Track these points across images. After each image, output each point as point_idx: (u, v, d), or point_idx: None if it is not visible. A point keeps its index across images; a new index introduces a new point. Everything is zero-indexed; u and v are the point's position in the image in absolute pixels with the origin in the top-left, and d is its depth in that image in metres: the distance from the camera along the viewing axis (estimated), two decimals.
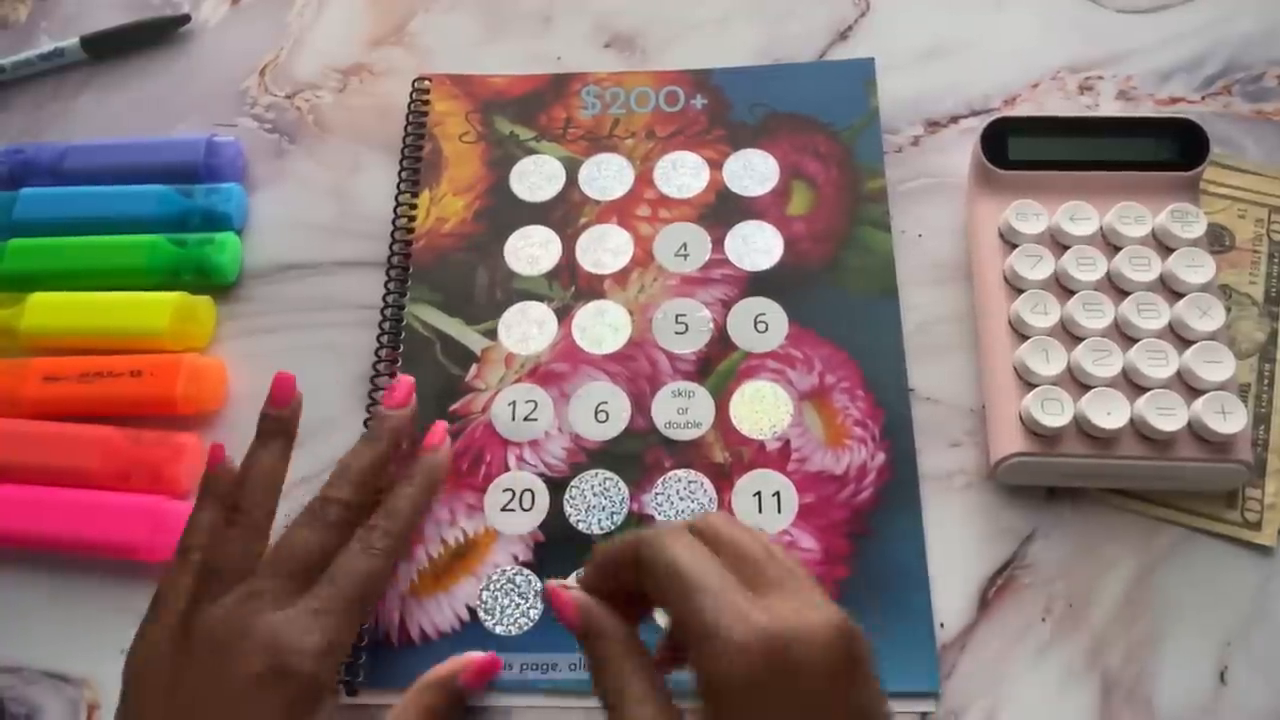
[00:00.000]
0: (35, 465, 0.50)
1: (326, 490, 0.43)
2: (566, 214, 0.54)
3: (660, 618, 0.37)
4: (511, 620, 0.45)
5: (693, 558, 0.33)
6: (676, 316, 0.51)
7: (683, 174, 0.55)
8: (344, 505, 0.43)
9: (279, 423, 0.45)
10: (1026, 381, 0.46)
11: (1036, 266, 0.48)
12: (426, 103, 0.58)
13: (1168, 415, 0.44)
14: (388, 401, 0.47)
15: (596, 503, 0.47)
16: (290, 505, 0.44)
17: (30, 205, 0.56)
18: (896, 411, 0.48)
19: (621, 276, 0.52)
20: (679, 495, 0.47)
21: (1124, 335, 0.47)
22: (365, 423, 0.50)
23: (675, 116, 0.56)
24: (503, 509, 0.48)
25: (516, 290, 0.52)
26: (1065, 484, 0.46)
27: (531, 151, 0.56)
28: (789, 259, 0.52)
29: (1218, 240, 0.51)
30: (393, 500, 0.44)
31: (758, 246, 0.52)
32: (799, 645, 0.31)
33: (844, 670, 0.31)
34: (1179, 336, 0.46)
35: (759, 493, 0.47)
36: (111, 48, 0.63)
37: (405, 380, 0.48)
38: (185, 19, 0.63)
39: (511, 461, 0.48)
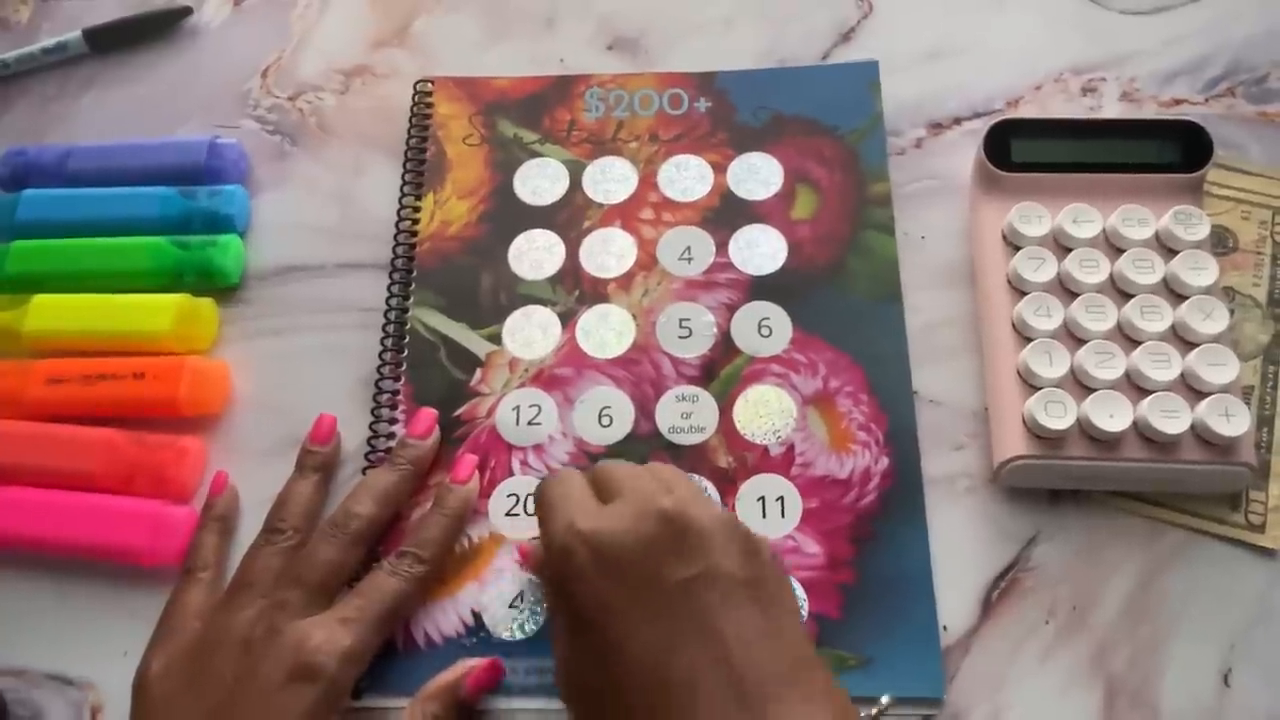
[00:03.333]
0: (38, 467, 0.50)
1: (349, 503, 0.46)
2: (570, 217, 0.54)
3: None
4: (516, 625, 0.45)
5: (554, 484, 0.40)
6: (680, 320, 0.51)
7: (687, 177, 0.55)
8: (366, 520, 0.45)
9: (317, 457, 0.48)
10: (1030, 384, 0.46)
11: (1040, 269, 0.48)
12: (430, 105, 0.58)
13: (1171, 418, 0.44)
14: (411, 431, 0.48)
15: None
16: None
17: (33, 207, 0.56)
18: (900, 416, 0.48)
19: (625, 280, 0.52)
20: None
21: (1127, 338, 0.47)
22: (370, 425, 0.50)
23: (679, 119, 0.56)
24: (507, 514, 0.48)
25: (520, 294, 0.52)
26: (1068, 487, 0.46)
27: (535, 154, 0.56)
28: (793, 263, 0.52)
29: (1221, 242, 0.51)
30: (424, 530, 0.46)
31: (762, 250, 0.52)
32: (604, 536, 0.36)
33: (654, 552, 0.36)
34: (1182, 339, 0.46)
35: (763, 497, 0.47)
36: (113, 41, 0.63)
37: (428, 412, 0.49)
38: (187, 11, 0.63)
39: (516, 466, 0.48)
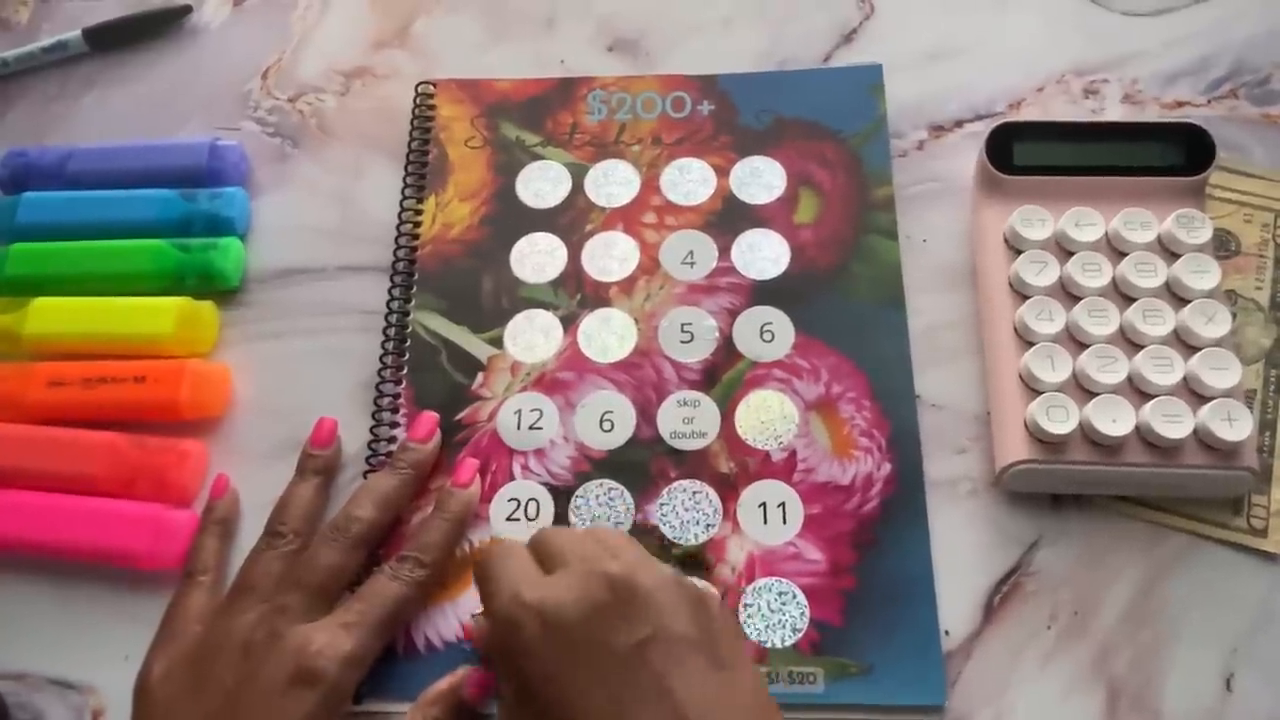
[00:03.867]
0: (39, 471, 0.50)
1: (349, 508, 0.46)
2: (572, 221, 0.54)
3: None
4: None
5: (496, 555, 0.40)
6: (682, 325, 0.51)
7: (689, 181, 0.55)
8: (367, 523, 0.46)
9: (318, 460, 0.48)
10: (1032, 388, 0.46)
11: (1042, 272, 0.48)
12: (432, 107, 0.58)
13: (1173, 422, 0.44)
14: (412, 435, 0.48)
15: (601, 513, 0.47)
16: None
17: (33, 209, 0.56)
18: (903, 421, 0.48)
19: (627, 284, 0.52)
20: (684, 505, 0.47)
21: (1129, 341, 0.47)
22: (371, 429, 0.50)
23: (682, 122, 0.56)
24: (508, 518, 0.48)
25: (522, 298, 0.52)
26: (1071, 491, 0.46)
27: (537, 157, 0.56)
28: (796, 267, 0.52)
29: (1224, 245, 0.51)
30: (425, 534, 0.46)
31: (764, 255, 0.52)
32: (550, 605, 0.36)
33: (602, 618, 0.36)
34: (1185, 343, 0.46)
35: (764, 503, 0.47)
36: (113, 39, 0.63)
37: (429, 416, 0.49)
38: (187, 9, 0.63)
39: (517, 471, 0.48)
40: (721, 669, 0.35)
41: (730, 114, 0.56)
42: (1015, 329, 0.47)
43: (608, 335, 0.51)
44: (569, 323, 0.52)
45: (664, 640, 0.35)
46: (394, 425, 0.50)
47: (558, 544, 0.39)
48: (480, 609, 0.41)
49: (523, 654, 0.36)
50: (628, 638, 0.35)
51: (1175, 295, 0.47)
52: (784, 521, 0.46)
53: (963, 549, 0.46)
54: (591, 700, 0.35)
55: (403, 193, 0.55)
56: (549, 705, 0.35)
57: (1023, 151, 0.50)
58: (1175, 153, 0.50)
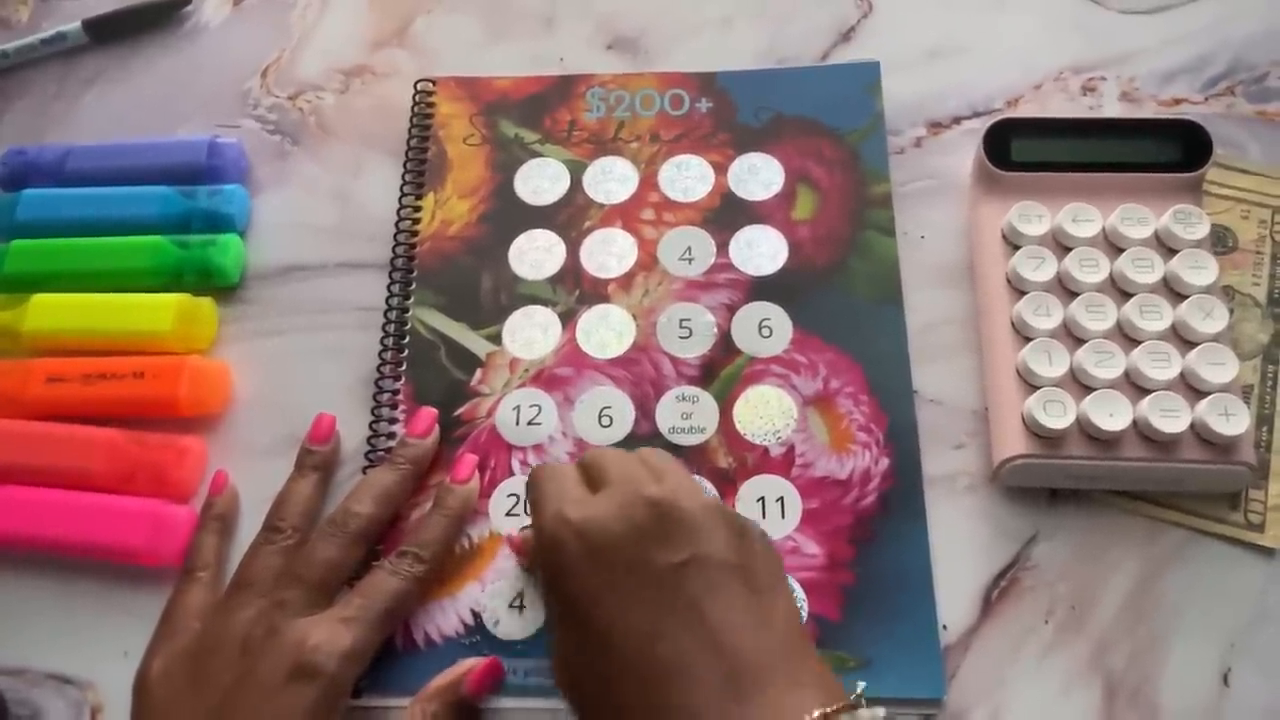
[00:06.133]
0: (38, 467, 0.50)
1: (348, 503, 0.46)
2: (571, 218, 0.54)
3: None
4: (516, 625, 0.45)
5: (545, 475, 0.41)
6: (680, 321, 0.51)
7: (687, 178, 0.55)
8: (365, 518, 0.46)
9: (316, 456, 0.49)
10: (1029, 383, 0.46)
11: (1039, 268, 0.48)
12: (431, 105, 0.58)
13: (1170, 417, 0.44)
14: (410, 430, 0.48)
15: None
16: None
17: (33, 206, 0.56)
18: (900, 416, 0.48)
19: (625, 281, 0.52)
20: None
21: (1127, 337, 0.47)
22: (370, 425, 0.50)
23: (680, 120, 0.56)
24: (507, 514, 0.48)
25: (520, 294, 0.52)
26: (1068, 486, 0.46)
27: (536, 154, 0.56)
28: (793, 263, 0.52)
29: (1221, 241, 0.51)
30: (424, 530, 0.46)
31: (762, 251, 0.52)
32: (592, 525, 0.37)
33: (641, 539, 0.36)
34: (1182, 338, 0.46)
35: (763, 498, 0.47)
36: (113, 31, 0.63)
37: (428, 411, 0.49)
38: (185, 0, 0.63)
39: (516, 466, 0.49)
40: (756, 594, 0.36)
41: (728, 111, 0.56)
42: (1013, 324, 0.48)
43: (606, 331, 0.51)
44: (567, 319, 0.52)
45: (702, 563, 0.36)
46: (393, 421, 0.50)
47: (604, 464, 0.40)
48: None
49: (565, 570, 0.37)
50: (666, 559, 0.36)
51: (1172, 290, 0.47)
52: (782, 516, 0.46)
53: (960, 544, 0.46)
54: (629, 617, 0.35)
55: (402, 190, 0.56)
56: (588, 620, 0.36)
57: (1020, 148, 0.51)
58: (1172, 149, 0.50)
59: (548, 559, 0.38)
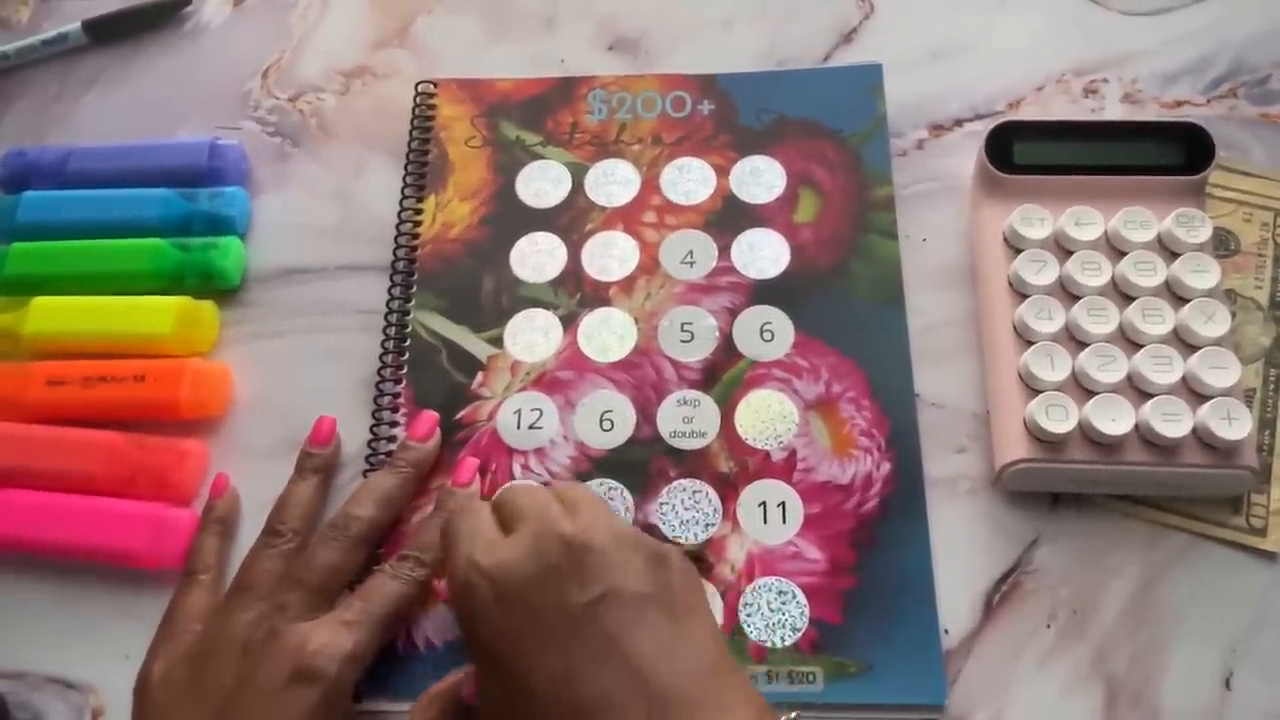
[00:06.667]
0: (39, 470, 0.50)
1: (349, 507, 0.46)
2: (572, 220, 0.54)
3: None
4: None
5: (458, 518, 0.40)
6: (682, 324, 0.51)
7: (689, 180, 0.55)
8: (366, 522, 0.46)
9: (316, 459, 0.49)
10: (1031, 387, 0.46)
11: (1041, 271, 0.48)
12: (432, 106, 0.58)
13: (1173, 421, 0.44)
14: (412, 434, 0.48)
15: None
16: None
17: (33, 209, 0.56)
18: (902, 421, 0.48)
19: (627, 284, 0.52)
20: (684, 505, 0.47)
21: (1129, 341, 0.47)
22: (371, 428, 0.50)
23: (682, 122, 0.56)
24: None
25: (522, 297, 0.52)
26: (1070, 490, 0.46)
27: (537, 157, 0.56)
28: (795, 267, 0.52)
29: (1223, 245, 0.51)
30: (425, 534, 0.46)
31: (764, 254, 0.52)
32: (503, 569, 0.37)
33: (554, 579, 0.36)
34: (1184, 342, 0.46)
35: (764, 503, 0.47)
36: (113, 31, 0.63)
37: (429, 415, 0.49)
38: (186, 0, 0.63)
39: (517, 470, 0.48)
40: (676, 621, 0.36)
41: (730, 113, 0.56)
42: (1015, 328, 0.47)
43: (607, 335, 0.51)
44: (569, 322, 0.52)
45: (616, 598, 0.35)
46: (394, 424, 0.50)
47: (517, 503, 0.39)
48: None
49: (478, 616, 0.37)
50: (579, 597, 0.35)
51: (1175, 294, 0.47)
52: (784, 521, 0.46)
53: (962, 548, 0.46)
54: (546, 660, 0.35)
55: (403, 192, 0.55)
56: (507, 666, 0.36)
57: (1022, 151, 0.50)
58: (1175, 152, 0.50)
59: (461, 606, 0.38)
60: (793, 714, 0.40)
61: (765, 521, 0.46)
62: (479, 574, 0.37)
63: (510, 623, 0.36)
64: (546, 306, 0.52)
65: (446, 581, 0.40)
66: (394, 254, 0.54)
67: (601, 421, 0.49)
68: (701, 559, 0.46)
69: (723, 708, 0.34)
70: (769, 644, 0.44)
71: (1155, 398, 0.44)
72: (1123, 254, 0.48)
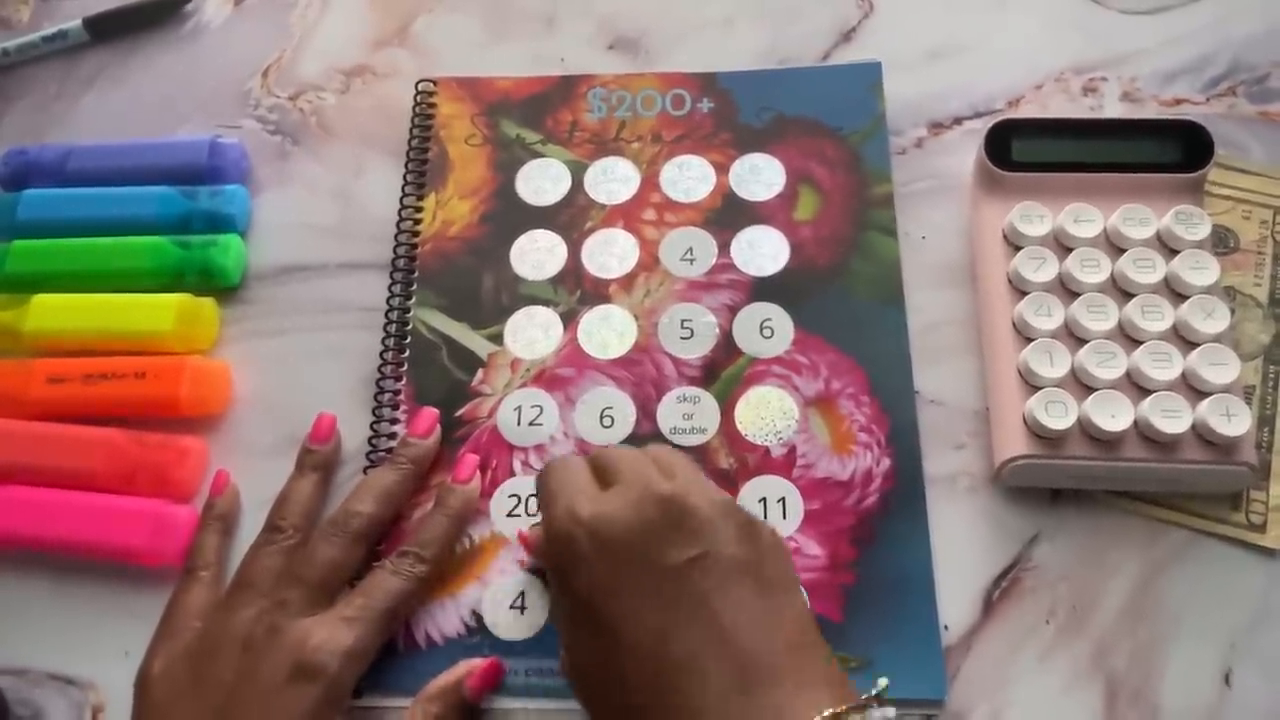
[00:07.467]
0: (39, 467, 0.50)
1: (349, 503, 0.46)
2: (572, 218, 0.54)
3: None
4: (516, 625, 0.45)
5: (556, 470, 0.41)
6: (682, 321, 0.51)
7: (689, 178, 0.55)
8: (366, 518, 0.46)
9: (317, 456, 0.49)
10: (1030, 384, 0.46)
11: (1040, 269, 0.48)
12: (433, 105, 0.58)
13: (1172, 418, 0.44)
14: (412, 430, 0.48)
15: None
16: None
17: (34, 207, 0.56)
18: (902, 417, 0.48)
19: (627, 281, 0.52)
20: None
21: (1128, 337, 0.47)
22: (371, 425, 0.50)
23: (682, 120, 0.56)
24: (509, 514, 0.48)
25: (522, 295, 0.52)
26: (1069, 486, 0.46)
27: (537, 155, 0.56)
28: (795, 264, 0.52)
29: (1222, 242, 0.51)
30: (425, 530, 0.46)
31: (764, 251, 0.52)
32: (603, 521, 0.37)
33: (652, 536, 0.36)
34: (1183, 339, 0.46)
35: (764, 499, 0.47)
36: (114, 28, 0.63)
37: (429, 412, 0.49)
38: None
39: (517, 467, 0.49)
40: (767, 592, 0.36)
41: (730, 111, 0.56)
42: (1014, 325, 0.48)
43: (607, 332, 0.51)
44: (569, 319, 0.52)
45: (712, 560, 0.36)
46: (394, 421, 0.50)
47: (615, 461, 0.40)
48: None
49: (576, 566, 0.37)
50: (676, 556, 0.36)
51: (1174, 291, 0.47)
52: (784, 517, 0.46)
53: (962, 544, 0.46)
54: (639, 614, 0.35)
55: (403, 190, 0.56)
56: (599, 616, 0.36)
57: (1021, 148, 0.51)
58: (1174, 150, 0.50)
59: (559, 554, 0.38)
60: (881, 685, 0.39)
61: (765, 517, 0.46)
62: (580, 525, 0.37)
63: (607, 574, 0.36)
64: (546, 304, 0.52)
65: (543, 530, 0.40)
66: (394, 252, 0.54)
67: (602, 418, 0.49)
68: None
69: (804, 683, 0.34)
70: None
71: (1154, 394, 0.44)
72: (1122, 251, 0.48)
